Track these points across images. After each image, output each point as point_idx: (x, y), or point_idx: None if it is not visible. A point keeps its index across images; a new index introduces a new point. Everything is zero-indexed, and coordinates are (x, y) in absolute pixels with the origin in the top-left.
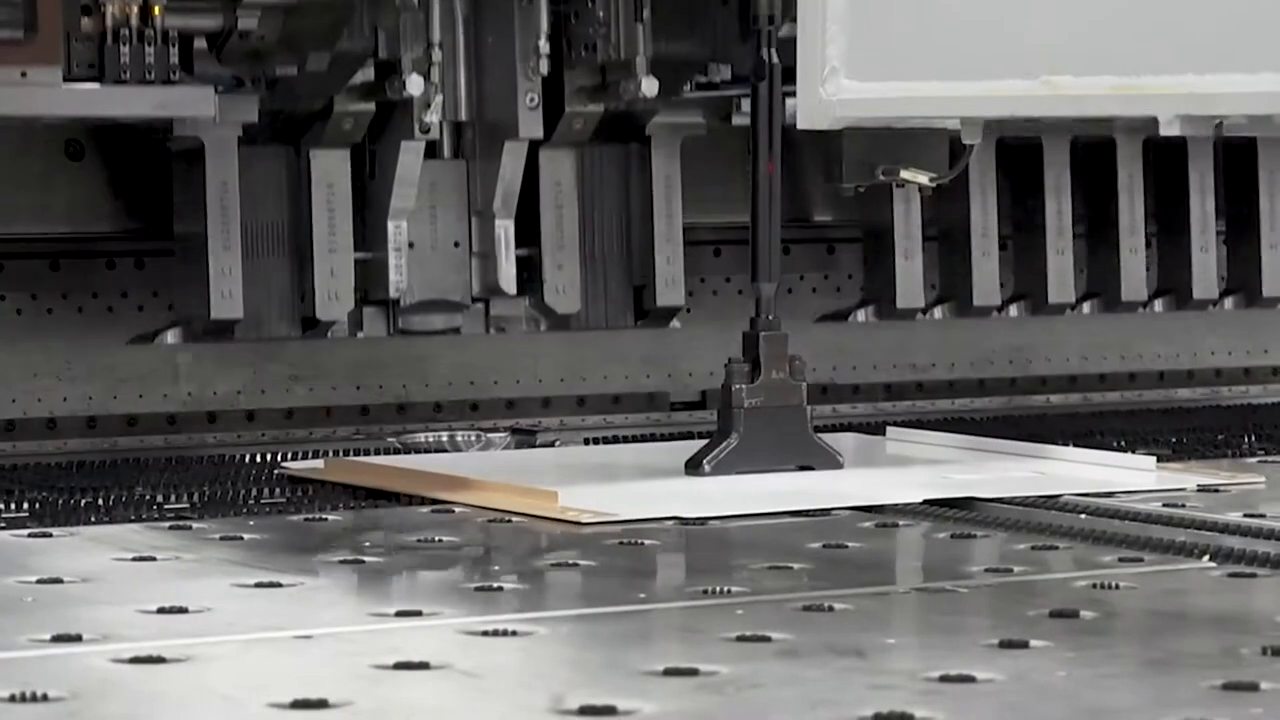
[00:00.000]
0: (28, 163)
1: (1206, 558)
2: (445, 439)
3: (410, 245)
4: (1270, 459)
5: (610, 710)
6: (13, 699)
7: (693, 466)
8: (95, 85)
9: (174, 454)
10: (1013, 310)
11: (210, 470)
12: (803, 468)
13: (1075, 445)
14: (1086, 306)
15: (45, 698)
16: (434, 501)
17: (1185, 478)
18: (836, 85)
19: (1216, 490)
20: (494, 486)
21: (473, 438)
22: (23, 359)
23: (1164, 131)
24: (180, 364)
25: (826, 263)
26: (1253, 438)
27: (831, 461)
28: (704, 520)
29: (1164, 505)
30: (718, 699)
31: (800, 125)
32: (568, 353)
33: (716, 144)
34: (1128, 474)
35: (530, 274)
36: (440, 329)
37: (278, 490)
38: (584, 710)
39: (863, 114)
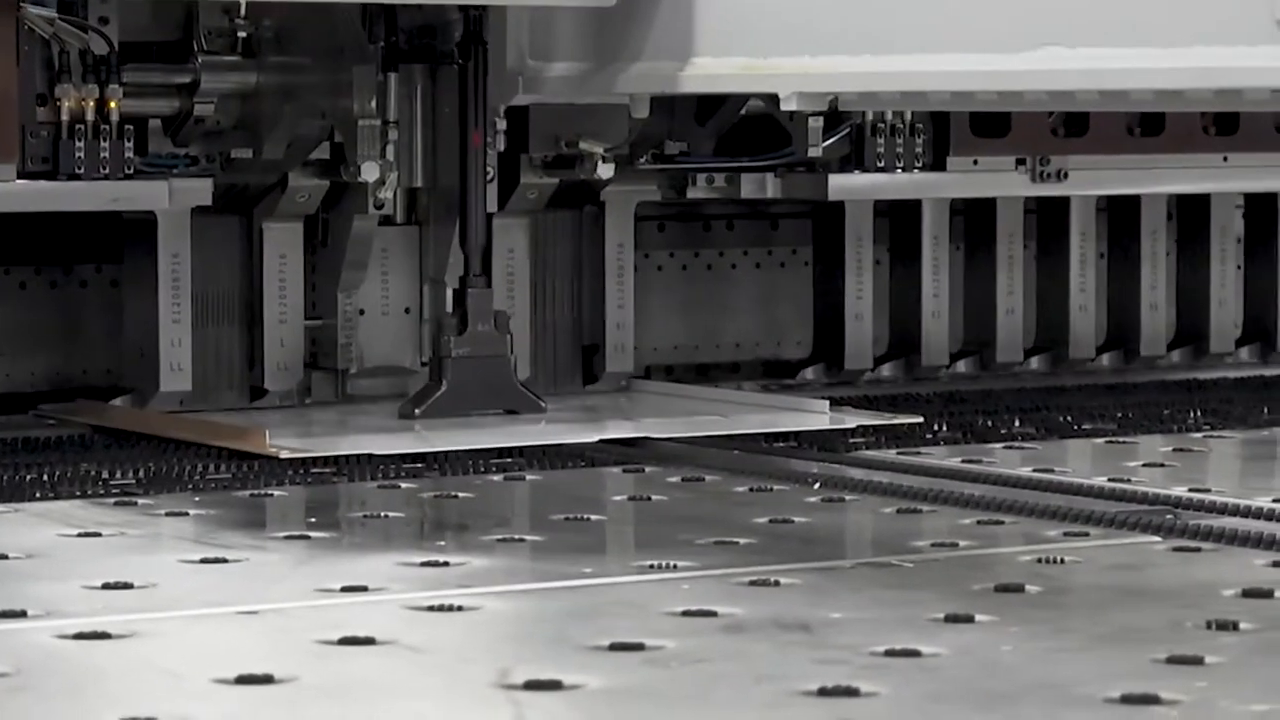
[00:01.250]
0: None
1: (816, 485)
2: None
3: (361, 312)
4: (1215, 434)
5: (556, 685)
6: None
7: (404, 412)
8: (49, 183)
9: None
10: (960, 365)
11: (155, 447)
12: (509, 413)
13: (1022, 421)
14: (1034, 361)
15: None
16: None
17: (849, 419)
18: (523, 65)
19: (878, 427)
20: (211, 425)
21: None
22: None
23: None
24: None
25: (769, 238)
26: (1198, 413)
27: (534, 407)
28: (396, 456)
29: (1109, 480)
30: (664, 674)
31: (491, 102)
32: None
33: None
34: (802, 416)
35: None
36: (388, 394)
37: (224, 466)
38: (530, 685)
39: (547, 91)
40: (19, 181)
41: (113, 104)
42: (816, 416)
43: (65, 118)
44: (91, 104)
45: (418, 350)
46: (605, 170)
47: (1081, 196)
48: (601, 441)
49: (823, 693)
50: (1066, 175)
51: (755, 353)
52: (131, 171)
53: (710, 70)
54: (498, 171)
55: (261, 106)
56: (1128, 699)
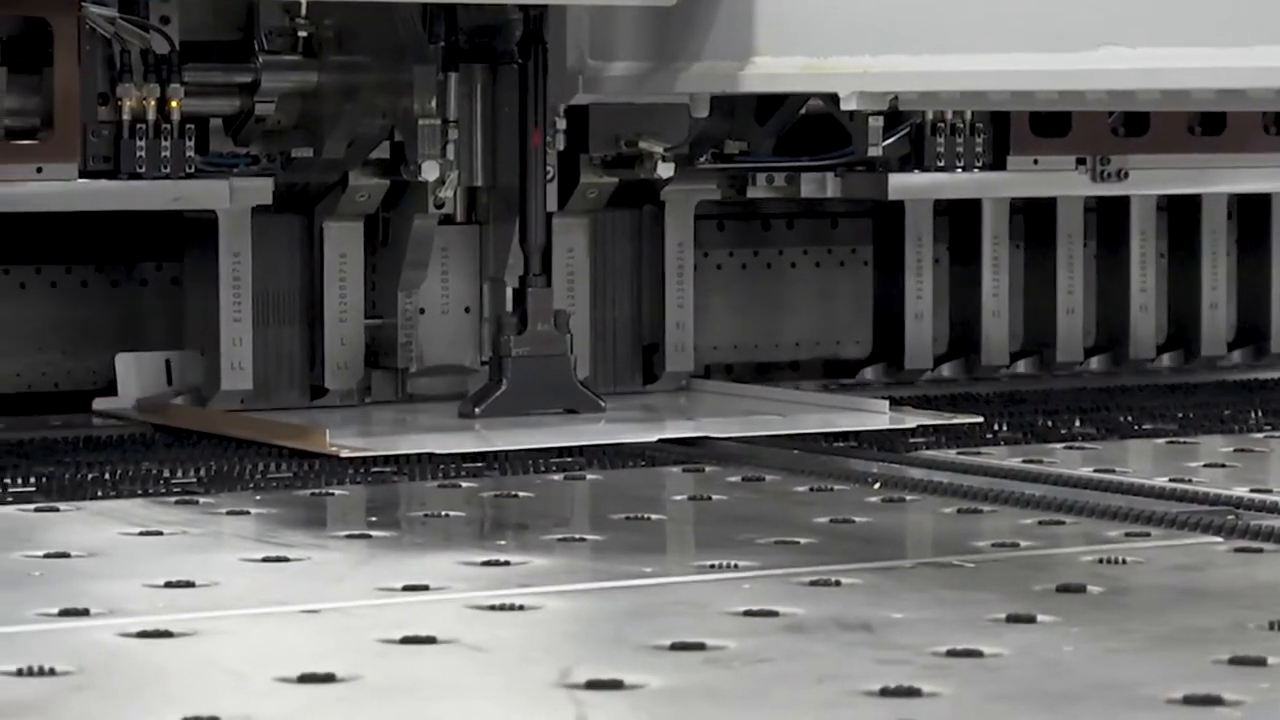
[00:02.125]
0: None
1: (877, 485)
2: None
3: (421, 311)
4: (1277, 434)
5: (617, 684)
6: (20, 673)
7: (464, 411)
8: (110, 181)
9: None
10: (1020, 365)
11: (216, 445)
12: (569, 411)
13: (1083, 421)
14: (1094, 361)
15: (52, 672)
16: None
17: (909, 419)
18: (583, 64)
19: (938, 427)
20: (271, 424)
21: None
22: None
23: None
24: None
25: (829, 237)
26: (1259, 413)
27: (594, 406)
28: (456, 456)
29: (1170, 480)
30: (725, 673)
31: (552, 101)
32: None
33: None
34: (862, 416)
35: None
36: (448, 394)
37: (285, 465)
38: (591, 684)
39: (607, 91)
40: (81, 180)
41: (174, 103)
42: (876, 416)
43: (126, 117)
44: (152, 103)
45: (478, 349)
46: (665, 170)
47: (1141, 196)
48: (661, 441)
49: (884, 693)
50: (1127, 175)
51: (815, 352)
52: (192, 170)
53: (770, 70)
54: (557, 171)
55: (322, 106)
56: (1190, 700)
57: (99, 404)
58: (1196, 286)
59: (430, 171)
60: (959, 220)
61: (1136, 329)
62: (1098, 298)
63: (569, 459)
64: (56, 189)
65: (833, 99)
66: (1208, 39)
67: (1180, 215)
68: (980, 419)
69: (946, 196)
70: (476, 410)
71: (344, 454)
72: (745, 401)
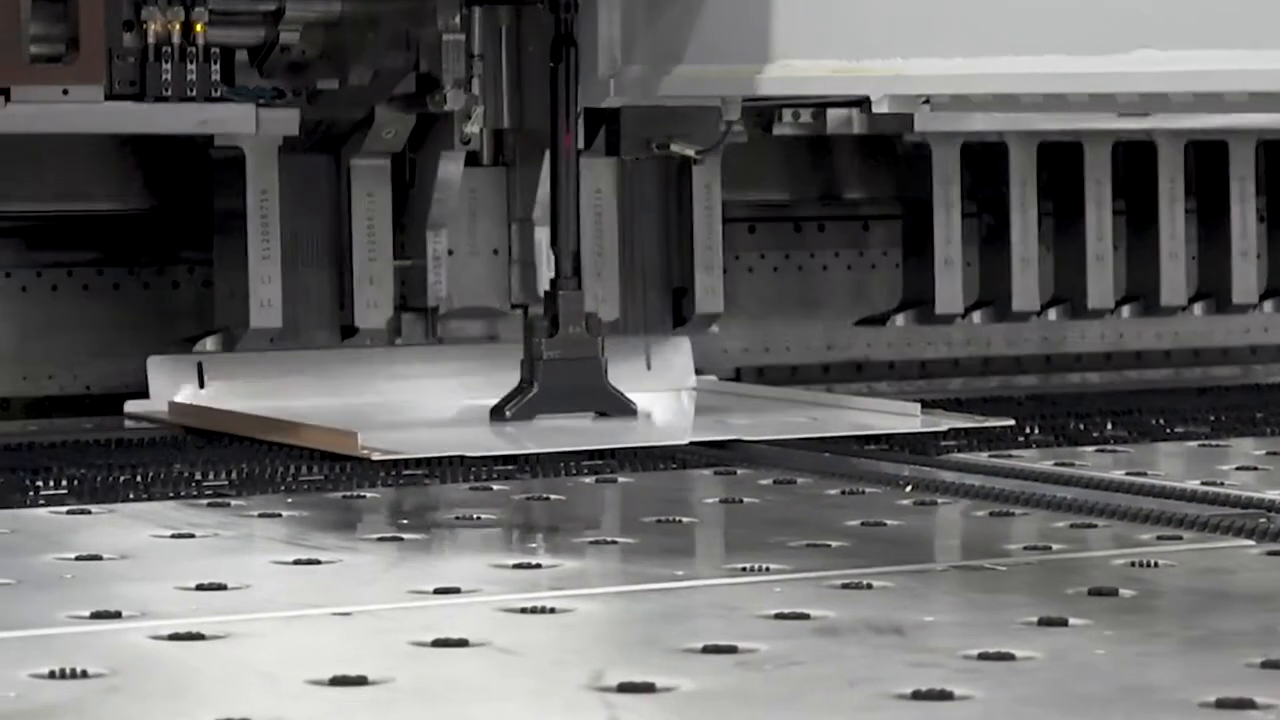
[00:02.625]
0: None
1: (908, 488)
2: None
3: (450, 253)
4: None
5: (649, 687)
6: (52, 675)
7: (495, 413)
8: (136, 103)
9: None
10: (1051, 314)
11: (248, 448)
12: (600, 415)
13: (1114, 424)
14: (1126, 310)
15: (85, 674)
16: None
17: (942, 421)
18: (614, 67)
19: (970, 430)
20: (303, 427)
21: None
22: (63, 335)
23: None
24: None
25: (860, 240)
26: None
27: (625, 409)
28: (490, 458)
29: (1202, 483)
30: (757, 676)
31: (583, 103)
32: None
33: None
34: (893, 418)
35: None
36: (478, 336)
37: (316, 468)
38: (623, 687)
39: (639, 93)
40: (106, 102)
41: (199, 27)
42: (908, 419)
43: (151, 40)
44: (177, 27)
45: (507, 292)
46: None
47: (1168, 139)
48: (693, 444)
49: (916, 696)
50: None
51: (846, 355)
52: (219, 94)
53: (802, 73)
54: (583, 111)
55: (346, 35)
56: (1222, 704)
57: (131, 407)
58: (1225, 236)
59: (456, 100)
60: (988, 165)
61: (1167, 278)
62: (1128, 247)
63: (600, 461)
64: (82, 109)
65: (864, 101)
66: (1240, 42)
67: (1208, 162)
68: (1011, 422)
69: (974, 126)
70: (508, 413)
71: (375, 457)
72: (776, 404)
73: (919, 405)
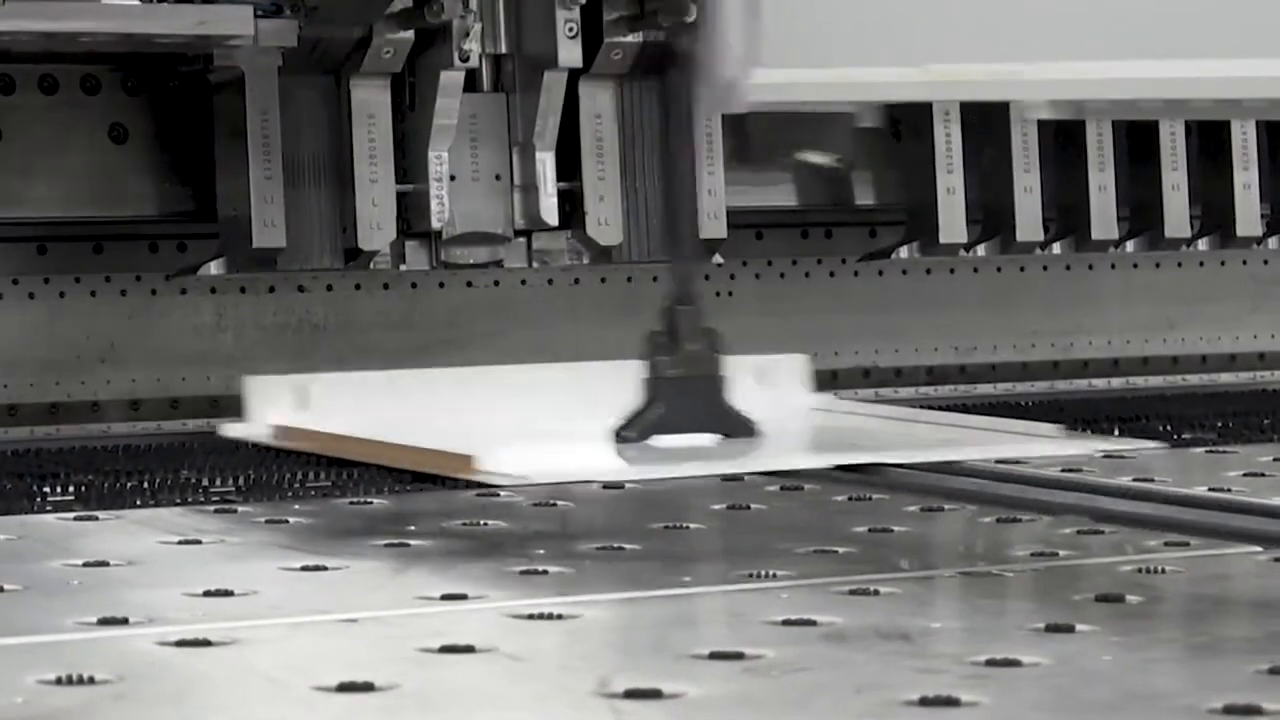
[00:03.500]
0: (71, 143)
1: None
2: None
3: (451, 178)
4: None
5: (656, 694)
6: (59, 681)
7: (619, 435)
8: (135, 2)
9: (218, 437)
10: (1056, 248)
11: (255, 454)
12: (724, 435)
13: (1121, 430)
14: (1130, 245)
15: (92, 680)
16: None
17: (1088, 444)
18: (740, 71)
19: (1121, 456)
20: (416, 451)
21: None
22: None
23: (1027, 115)
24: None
25: (869, 245)
26: None
27: (747, 429)
28: (620, 484)
29: (1209, 489)
30: (764, 682)
31: (705, 110)
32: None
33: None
34: (1034, 442)
35: (572, 206)
36: (483, 262)
37: (323, 474)
38: (630, 694)
39: (765, 98)
40: (104, 1)
41: None
42: (1050, 441)
43: None
44: None
45: (509, 218)
46: (691, 10)
47: None
48: (836, 469)
49: (924, 702)
50: None
51: (855, 361)
52: None
53: (952, 77)
54: (580, 29)
55: None
56: (1230, 710)
57: (230, 430)
58: (1227, 167)
59: (453, 8)
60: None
61: (1169, 208)
62: (1129, 178)
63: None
64: (82, 8)
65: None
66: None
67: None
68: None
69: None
70: (630, 434)
71: (499, 481)
72: (900, 424)
73: (1060, 427)
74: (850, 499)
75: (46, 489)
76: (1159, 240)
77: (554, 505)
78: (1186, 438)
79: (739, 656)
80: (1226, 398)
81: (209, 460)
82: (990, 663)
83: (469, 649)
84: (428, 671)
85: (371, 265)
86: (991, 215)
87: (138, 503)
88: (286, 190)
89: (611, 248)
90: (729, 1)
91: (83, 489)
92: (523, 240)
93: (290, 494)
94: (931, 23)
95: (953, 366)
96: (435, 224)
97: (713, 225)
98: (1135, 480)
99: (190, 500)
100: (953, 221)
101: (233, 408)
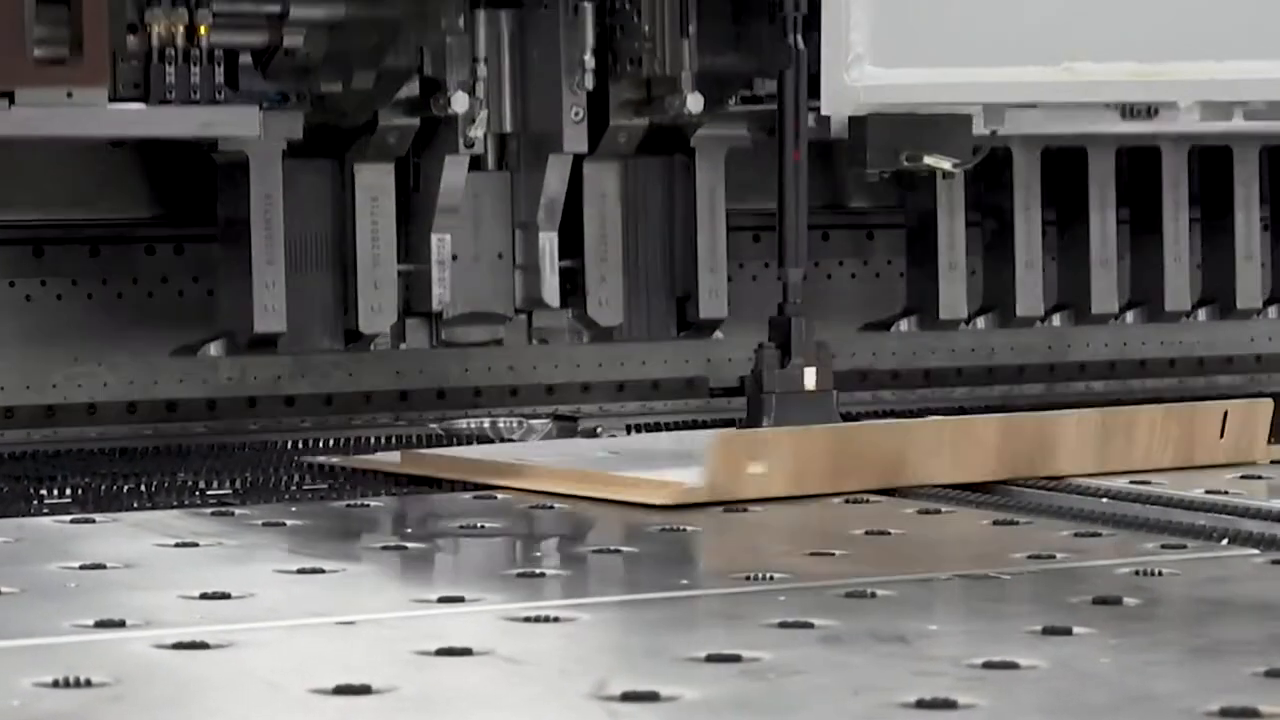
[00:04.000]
0: (69, 151)
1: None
2: (487, 426)
3: (454, 257)
4: None
5: (653, 696)
6: (56, 684)
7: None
8: (140, 105)
9: (215, 440)
10: (1055, 320)
11: (252, 456)
12: None
13: None
14: (1130, 316)
15: (88, 683)
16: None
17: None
18: (861, 71)
19: None
20: (590, 475)
21: (514, 424)
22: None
23: (1184, 116)
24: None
25: (865, 248)
26: None
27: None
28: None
29: (1206, 492)
30: (761, 685)
31: (824, 111)
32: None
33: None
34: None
35: (573, 286)
36: (483, 340)
37: (319, 478)
38: (626, 696)
39: (887, 100)
40: (111, 106)
41: (202, 29)
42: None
43: (155, 44)
44: (181, 29)
45: (511, 297)
46: (695, 103)
47: (1173, 146)
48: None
49: (920, 705)
50: (1157, 112)
51: (850, 364)
52: (223, 97)
53: (1096, 76)
54: (587, 112)
55: (350, 38)
56: (1226, 712)
57: (362, 461)
58: (1229, 240)
59: (460, 103)
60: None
61: (1170, 283)
62: (1132, 252)
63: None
64: (86, 113)
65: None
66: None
67: (1213, 168)
68: None
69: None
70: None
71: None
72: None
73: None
74: (846, 501)
75: (44, 491)
76: (1159, 313)
77: (551, 508)
78: None
79: (736, 659)
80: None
81: (206, 463)
82: (987, 665)
83: (466, 651)
84: (425, 674)
85: (372, 347)
86: (992, 290)
87: (135, 505)
88: (288, 271)
89: (612, 328)
90: (849, 1)
91: (80, 491)
92: (523, 319)
93: (287, 497)
94: (1067, 20)
95: (949, 369)
96: (436, 306)
97: (713, 305)
98: (1133, 482)
99: (187, 503)
100: (953, 300)
101: (231, 410)
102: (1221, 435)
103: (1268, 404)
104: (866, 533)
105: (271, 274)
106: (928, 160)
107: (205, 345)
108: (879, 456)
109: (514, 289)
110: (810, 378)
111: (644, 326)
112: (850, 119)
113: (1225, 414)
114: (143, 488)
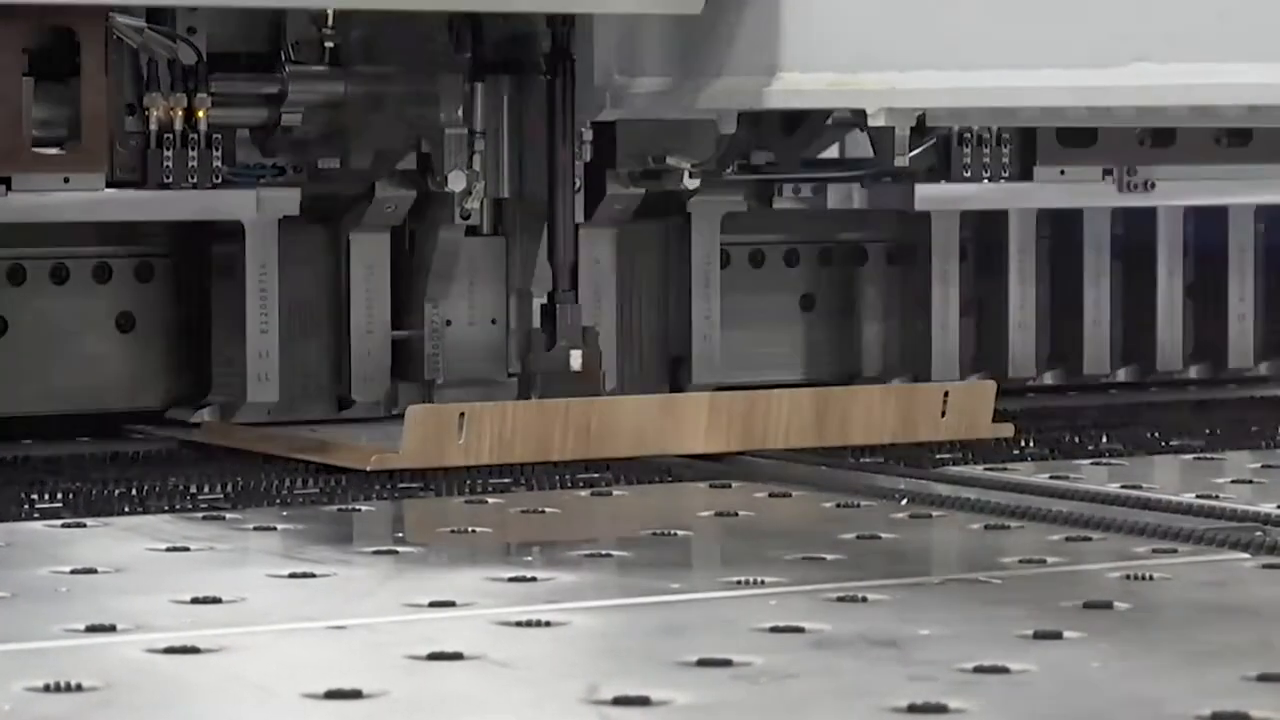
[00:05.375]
0: None
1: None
2: None
3: (448, 323)
4: None
5: (644, 700)
6: (47, 689)
7: None
8: (138, 191)
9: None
10: (1048, 378)
11: (243, 461)
12: None
13: (1109, 437)
14: (1122, 373)
15: (79, 687)
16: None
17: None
18: (612, 81)
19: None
20: (318, 444)
21: None
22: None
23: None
24: None
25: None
26: None
27: None
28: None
29: (1197, 496)
30: (752, 689)
31: (582, 118)
32: None
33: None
34: None
35: None
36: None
37: (311, 481)
38: (618, 700)
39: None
40: (107, 190)
41: (200, 114)
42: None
43: (153, 127)
44: (179, 113)
45: (505, 362)
46: (692, 183)
47: (1168, 209)
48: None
49: (912, 709)
50: (1154, 185)
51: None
52: (220, 181)
53: (798, 86)
54: (584, 183)
55: (348, 116)
56: (1218, 717)
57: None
58: (1223, 297)
59: (457, 182)
60: (985, 232)
61: (1163, 341)
62: (1123, 311)
63: (595, 475)
64: (83, 199)
65: (860, 115)
66: (1239, 55)
67: (1207, 228)
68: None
69: (973, 207)
70: None
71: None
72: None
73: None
74: (838, 505)
75: (35, 496)
76: (1150, 371)
77: (542, 513)
78: (1173, 444)
79: (727, 664)
80: (1215, 405)
81: (197, 468)
82: (979, 669)
83: (457, 656)
84: (416, 679)
85: (365, 414)
86: (985, 347)
87: (126, 510)
88: (281, 336)
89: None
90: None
91: (71, 496)
92: (515, 383)
93: (278, 501)
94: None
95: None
96: (428, 375)
97: (707, 370)
98: (1124, 487)
99: (178, 507)
100: (946, 361)
101: (229, 412)
102: (943, 415)
103: (990, 385)
104: (857, 536)
105: (265, 344)
106: (670, 161)
107: (199, 409)
108: (587, 428)
109: (508, 354)
110: (576, 359)
111: (637, 390)
112: (604, 122)
113: (946, 394)
114: (134, 492)
